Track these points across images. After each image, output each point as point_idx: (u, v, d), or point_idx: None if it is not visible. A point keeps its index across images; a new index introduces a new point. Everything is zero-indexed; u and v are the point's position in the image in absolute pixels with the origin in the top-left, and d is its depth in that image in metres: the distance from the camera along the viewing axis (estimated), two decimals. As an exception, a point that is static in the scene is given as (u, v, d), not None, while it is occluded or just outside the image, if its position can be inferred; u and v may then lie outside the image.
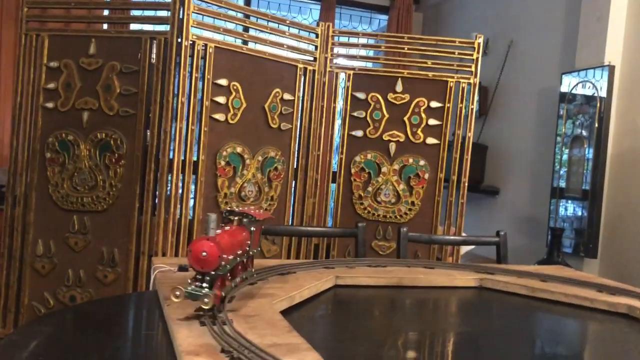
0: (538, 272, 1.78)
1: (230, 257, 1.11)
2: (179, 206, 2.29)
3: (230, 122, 2.40)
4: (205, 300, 1.02)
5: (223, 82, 2.36)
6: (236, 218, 1.23)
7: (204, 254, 1.03)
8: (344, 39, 2.76)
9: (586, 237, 4.06)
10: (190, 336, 0.97)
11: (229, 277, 1.17)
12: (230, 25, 2.46)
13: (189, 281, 1.05)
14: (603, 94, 3.97)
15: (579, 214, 4.18)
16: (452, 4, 6.44)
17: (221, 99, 2.37)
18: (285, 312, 1.23)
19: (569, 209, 4.29)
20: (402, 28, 6.45)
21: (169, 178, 2.27)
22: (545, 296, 1.58)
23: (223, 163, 2.38)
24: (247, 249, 1.23)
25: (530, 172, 4.92)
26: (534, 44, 4.95)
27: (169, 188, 2.29)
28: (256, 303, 1.20)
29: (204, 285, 1.04)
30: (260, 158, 2.51)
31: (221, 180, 2.39)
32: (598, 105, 4.01)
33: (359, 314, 1.45)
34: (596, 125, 4.03)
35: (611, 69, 3.92)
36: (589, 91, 4.12)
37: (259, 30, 2.52)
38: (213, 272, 1.05)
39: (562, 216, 4.33)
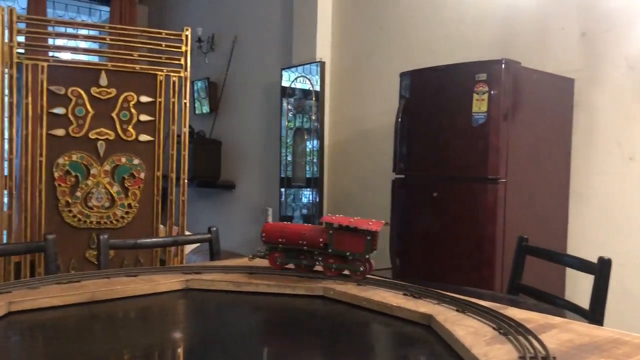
0: (246, 265, 1.77)
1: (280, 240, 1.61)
2: None
3: None
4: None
5: None
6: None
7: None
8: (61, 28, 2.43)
9: (312, 222, 4.34)
10: None
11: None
12: None
13: None
14: (317, 88, 4.27)
15: (305, 200, 4.45)
16: (177, -3, 6.31)
17: None
18: None
19: (297, 196, 4.53)
20: (125, 20, 6.10)
21: None
22: (249, 289, 1.56)
23: None
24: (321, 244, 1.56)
25: (262, 164, 5.09)
26: (257, 41, 5.10)
27: None
28: None
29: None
30: None
31: None
32: (314, 98, 4.30)
33: (33, 345, 1.23)
34: (313, 117, 4.32)
35: (322, 64, 4.23)
36: (306, 85, 4.40)
37: None
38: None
39: (291, 204, 4.56)
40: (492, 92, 2.46)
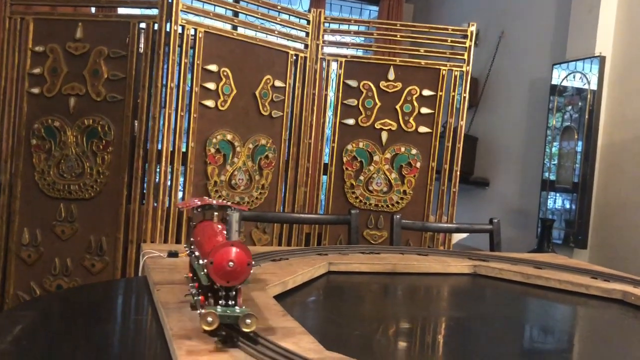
0: (532, 259, 1.77)
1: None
2: (167, 194, 2.25)
3: (221, 108, 2.36)
4: (247, 321, 0.81)
5: (213, 67, 2.32)
6: (216, 214, 1.08)
7: (231, 264, 0.82)
8: (335, 27, 2.73)
9: (576, 228, 4.07)
10: (182, 320, 0.94)
11: None
12: (220, 10, 2.42)
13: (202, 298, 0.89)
14: (594, 85, 3.97)
15: (569, 205, 4.19)
16: (443, -5, 6.42)
17: (211, 85, 2.33)
18: (278, 298, 1.20)
19: (559, 200, 4.29)
20: (392, 18, 6.41)
21: (158, 166, 2.23)
22: (539, 283, 1.56)
23: (213, 150, 2.35)
24: None
25: (521, 163, 4.93)
26: (525, 35, 4.94)
27: (157, 176, 2.25)
28: (249, 288, 1.17)
29: (231, 302, 0.84)
30: (251, 146, 2.47)
31: (211, 168, 2.35)
32: (588, 96, 4.01)
33: (353, 299, 1.42)
34: (586, 117, 4.03)
35: (602, 60, 3.92)
36: (579, 82, 4.12)
37: (249, 15, 2.48)
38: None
39: (551, 207, 4.34)
40: None
